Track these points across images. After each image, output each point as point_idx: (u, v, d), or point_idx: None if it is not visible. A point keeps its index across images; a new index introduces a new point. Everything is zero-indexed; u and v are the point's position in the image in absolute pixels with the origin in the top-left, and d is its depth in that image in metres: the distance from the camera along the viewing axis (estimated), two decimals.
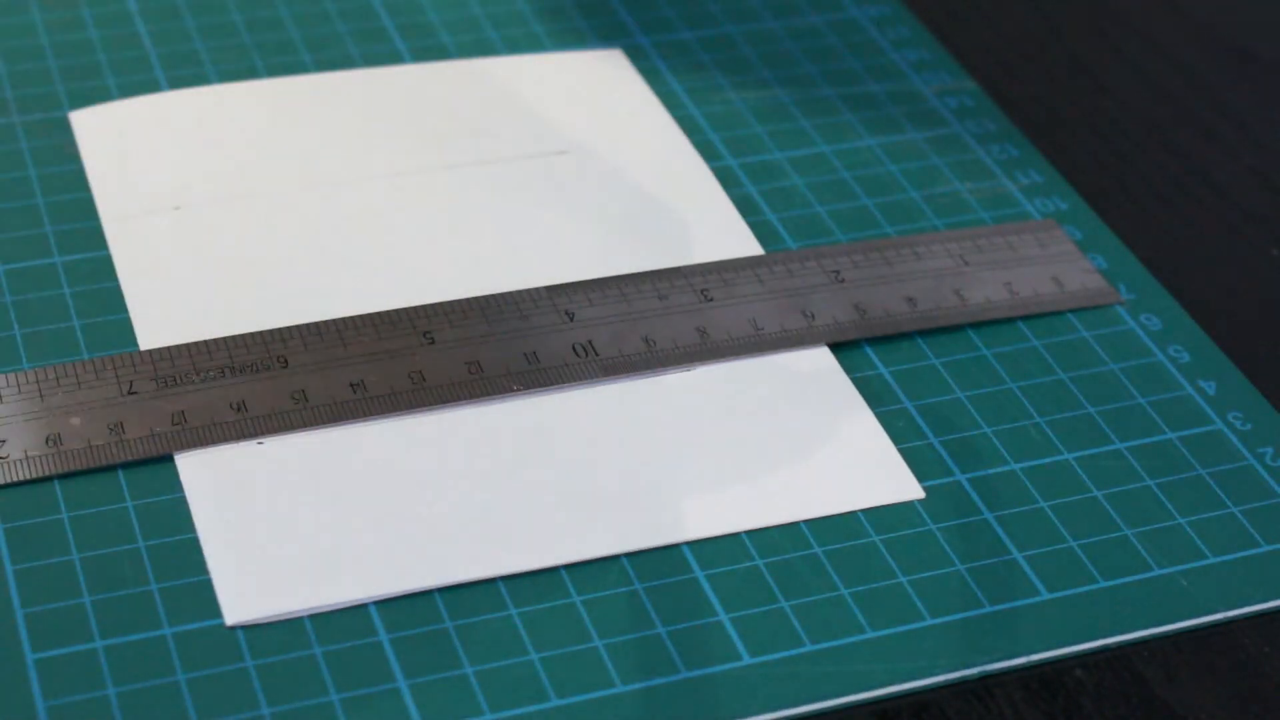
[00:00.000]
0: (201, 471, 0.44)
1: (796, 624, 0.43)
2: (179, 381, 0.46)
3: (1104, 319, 0.51)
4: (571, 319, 0.49)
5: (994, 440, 0.47)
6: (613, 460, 0.46)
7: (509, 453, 0.46)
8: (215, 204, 0.52)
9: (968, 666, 0.42)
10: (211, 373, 0.47)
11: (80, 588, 0.42)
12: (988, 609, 0.43)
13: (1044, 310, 0.51)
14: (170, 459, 0.45)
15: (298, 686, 0.40)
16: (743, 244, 0.52)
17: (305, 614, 0.42)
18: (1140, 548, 0.45)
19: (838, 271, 0.51)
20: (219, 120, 0.55)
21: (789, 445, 0.47)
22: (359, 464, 0.45)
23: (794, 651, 0.42)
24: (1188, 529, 0.46)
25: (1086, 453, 0.47)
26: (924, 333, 0.50)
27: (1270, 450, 0.48)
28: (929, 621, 0.43)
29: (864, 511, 0.45)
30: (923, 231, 0.53)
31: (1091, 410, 0.48)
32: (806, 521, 0.45)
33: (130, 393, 0.46)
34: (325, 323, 0.48)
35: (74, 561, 0.42)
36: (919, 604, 0.43)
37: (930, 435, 0.47)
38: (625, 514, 0.45)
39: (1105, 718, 0.42)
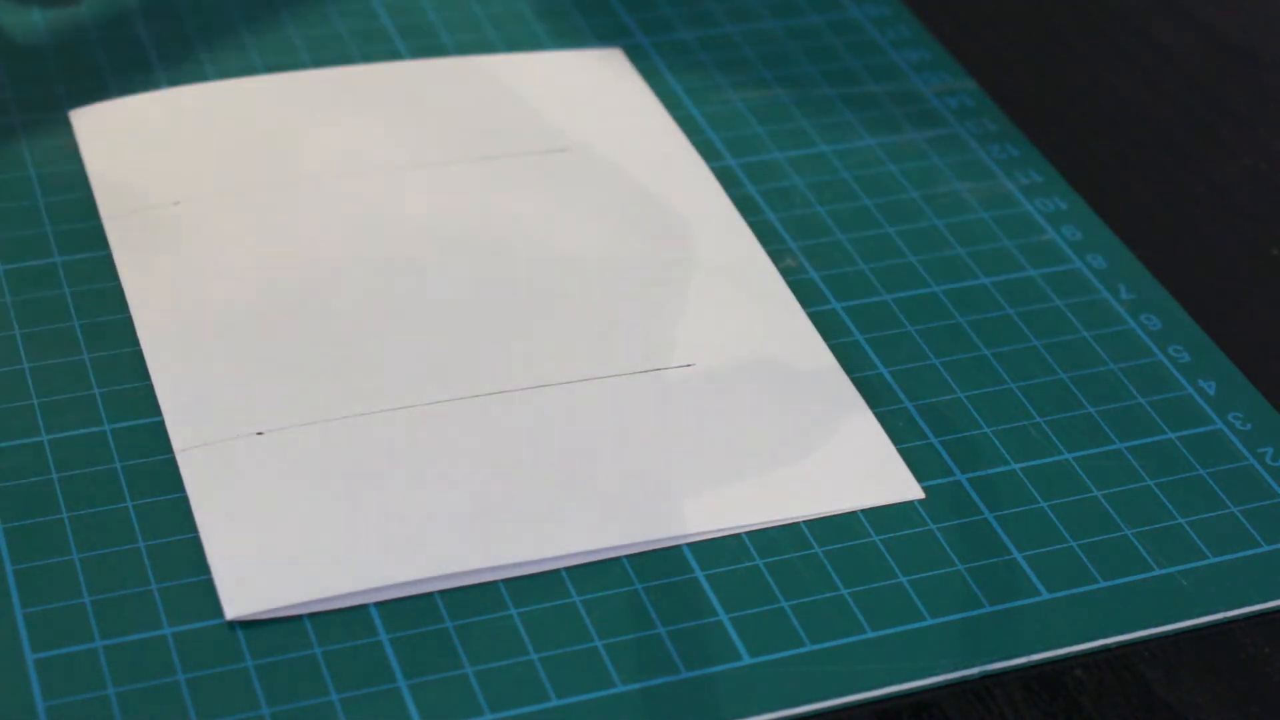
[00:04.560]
0: (201, 465, 0.44)
1: (796, 624, 0.43)
2: None
3: (1104, 319, 0.51)
4: None
5: (994, 440, 0.47)
6: (613, 458, 0.46)
7: (509, 449, 0.46)
8: (215, 201, 0.52)
9: (968, 666, 0.42)
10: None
11: (80, 588, 0.42)
12: (988, 609, 0.43)
13: None
14: (170, 458, 0.45)
15: (298, 686, 0.40)
16: (743, 244, 0.52)
17: (305, 608, 0.42)
18: (1140, 548, 0.45)
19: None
20: (219, 118, 0.55)
21: (789, 445, 0.47)
22: (359, 457, 0.45)
23: (794, 651, 0.42)
24: (1188, 529, 0.46)
25: (1086, 453, 0.47)
26: (924, 332, 0.50)
27: (1270, 450, 0.48)
28: (929, 621, 0.43)
29: (864, 511, 0.45)
30: (922, 231, 0.53)
31: (1091, 410, 0.48)
32: (806, 521, 0.45)
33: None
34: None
35: (74, 561, 0.42)
36: (919, 604, 0.43)
37: (930, 435, 0.47)
38: (625, 511, 0.44)
39: (1105, 718, 0.42)
